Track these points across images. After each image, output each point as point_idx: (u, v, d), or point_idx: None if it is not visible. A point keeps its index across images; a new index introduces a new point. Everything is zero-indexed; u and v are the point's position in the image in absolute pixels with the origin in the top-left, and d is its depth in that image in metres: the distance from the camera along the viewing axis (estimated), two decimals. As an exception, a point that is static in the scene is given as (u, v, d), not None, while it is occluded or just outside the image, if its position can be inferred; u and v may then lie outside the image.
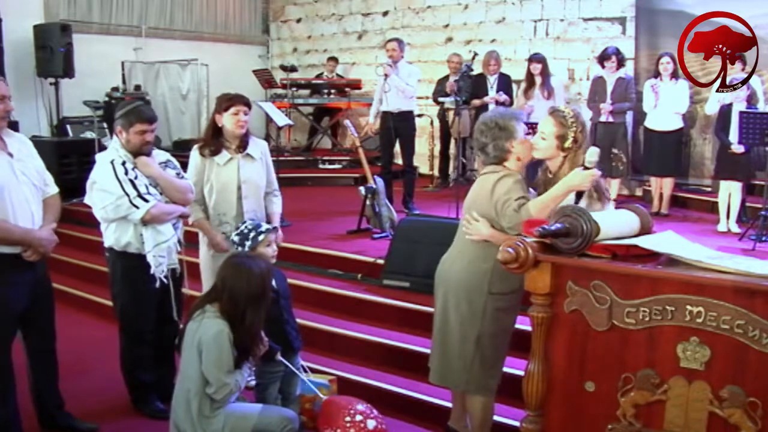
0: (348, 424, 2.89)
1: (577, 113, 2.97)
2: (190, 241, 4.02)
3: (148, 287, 3.53)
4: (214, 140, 3.81)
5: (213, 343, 2.85)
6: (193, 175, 3.81)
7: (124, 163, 3.45)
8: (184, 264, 3.81)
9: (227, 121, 3.76)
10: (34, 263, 3.20)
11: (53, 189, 3.40)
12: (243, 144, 3.83)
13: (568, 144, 2.91)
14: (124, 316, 3.66)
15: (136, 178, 3.44)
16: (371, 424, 2.90)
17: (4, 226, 3.06)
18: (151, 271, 3.50)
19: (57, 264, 3.53)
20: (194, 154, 3.84)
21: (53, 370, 3.50)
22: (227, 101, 3.79)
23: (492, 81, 7.58)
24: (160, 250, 3.50)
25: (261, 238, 3.33)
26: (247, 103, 3.81)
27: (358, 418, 2.91)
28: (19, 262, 3.14)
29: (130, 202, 3.40)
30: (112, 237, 3.54)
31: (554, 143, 2.92)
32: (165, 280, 3.55)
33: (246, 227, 3.40)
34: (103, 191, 3.43)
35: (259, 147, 3.93)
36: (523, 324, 3.86)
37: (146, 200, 3.42)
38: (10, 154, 3.16)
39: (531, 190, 3.06)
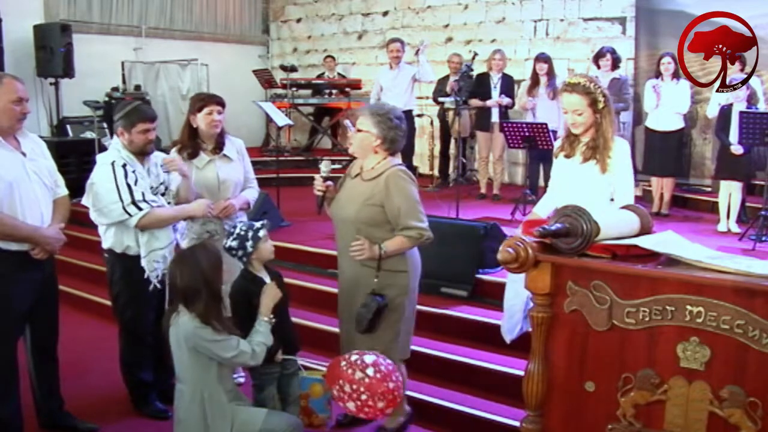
0: (346, 367, 2.86)
1: (586, 75, 3.21)
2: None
3: (148, 288, 3.53)
4: (190, 141, 3.81)
5: (196, 340, 2.84)
6: (175, 178, 3.78)
7: (124, 166, 3.43)
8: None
9: (201, 121, 3.75)
10: (42, 262, 3.21)
11: (64, 191, 3.42)
12: (219, 145, 3.83)
13: (600, 105, 3.08)
14: (124, 316, 3.66)
15: (135, 182, 3.42)
16: (369, 359, 2.88)
17: (12, 222, 3.08)
18: (146, 276, 3.50)
19: (57, 263, 3.52)
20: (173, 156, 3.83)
21: (54, 369, 3.50)
22: (200, 101, 3.79)
23: (495, 81, 7.57)
24: (156, 256, 3.50)
25: (261, 234, 3.22)
26: (220, 103, 3.80)
27: (353, 357, 2.88)
28: (26, 260, 3.15)
29: (123, 209, 3.38)
30: (111, 239, 3.54)
31: (590, 111, 3.09)
32: (159, 285, 3.54)
33: (241, 229, 3.22)
34: (98, 194, 3.43)
35: (235, 146, 3.94)
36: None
37: (140, 208, 3.40)
38: (23, 153, 3.19)
39: None
